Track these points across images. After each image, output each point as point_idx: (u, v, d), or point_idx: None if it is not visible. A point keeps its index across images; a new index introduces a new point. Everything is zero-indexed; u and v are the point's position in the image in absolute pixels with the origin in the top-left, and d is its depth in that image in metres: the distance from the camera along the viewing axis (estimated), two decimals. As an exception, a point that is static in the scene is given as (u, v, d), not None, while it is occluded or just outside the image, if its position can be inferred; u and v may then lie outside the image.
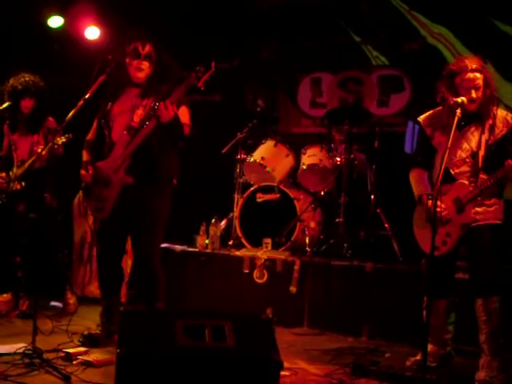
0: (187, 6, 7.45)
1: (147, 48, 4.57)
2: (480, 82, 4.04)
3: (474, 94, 4.00)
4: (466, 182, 4.03)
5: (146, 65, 4.56)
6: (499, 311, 3.91)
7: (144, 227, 4.53)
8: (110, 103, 4.60)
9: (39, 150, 5.23)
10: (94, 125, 4.75)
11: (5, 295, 5.60)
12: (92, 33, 7.02)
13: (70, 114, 4.51)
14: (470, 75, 4.03)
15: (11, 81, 5.59)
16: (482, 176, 4.00)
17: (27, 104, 5.57)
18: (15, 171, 5.55)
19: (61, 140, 5.12)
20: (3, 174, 5.60)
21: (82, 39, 7.04)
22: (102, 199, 4.50)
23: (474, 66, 4.05)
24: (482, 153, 4.04)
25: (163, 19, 7.27)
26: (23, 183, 5.52)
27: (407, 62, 7.30)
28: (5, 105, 5.33)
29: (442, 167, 3.63)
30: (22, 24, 6.93)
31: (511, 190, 4.11)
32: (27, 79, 5.58)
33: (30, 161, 5.44)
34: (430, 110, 4.36)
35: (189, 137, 4.52)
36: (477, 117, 4.09)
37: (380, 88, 7.51)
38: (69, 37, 7.09)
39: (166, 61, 4.63)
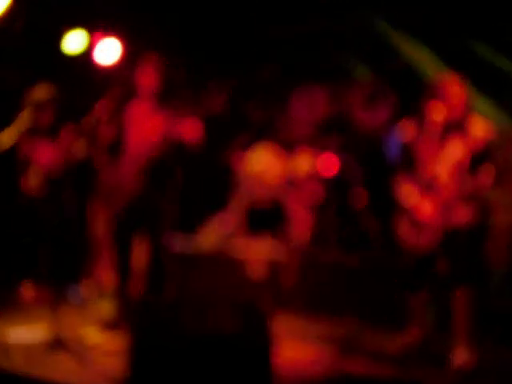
0: (199, 33, 7.43)
1: (148, 57, 4.52)
2: (458, 98, 3.98)
3: (451, 110, 3.93)
4: (450, 188, 3.95)
5: (147, 72, 4.47)
6: (472, 300, 3.91)
7: (155, 229, 4.52)
8: (123, 110, 4.51)
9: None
10: (110, 128, 4.60)
11: (28, 283, 5.50)
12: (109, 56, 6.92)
13: (87, 122, 4.52)
14: (450, 92, 3.98)
15: (31, 94, 5.43)
16: (464, 182, 3.92)
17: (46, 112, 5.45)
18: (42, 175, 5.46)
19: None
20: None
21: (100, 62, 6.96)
22: (116, 198, 4.47)
23: (453, 85, 4.02)
24: (463, 162, 3.96)
25: (176, 42, 7.23)
26: (49, 186, 5.42)
27: (390, 78, 7.28)
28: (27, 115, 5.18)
29: (427, 174, 3.71)
30: (49, 47, 6.84)
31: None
32: (45, 89, 5.44)
33: (57, 167, 5.38)
34: (410, 122, 4.27)
35: (199, 151, 4.49)
36: (457, 130, 3.99)
37: (366, 101, 7.49)
38: (89, 59, 7.02)
39: (174, 77, 4.64)
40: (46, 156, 5.43)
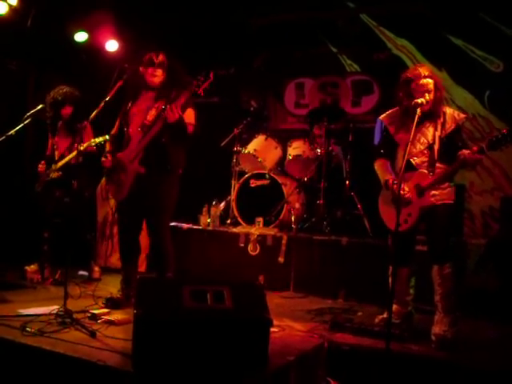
0: (194, 24, 7.44)
1: (160, 57, 4.52)
2: (431, 86, 4.05)
3: (427, 97, 4.01)
4: (426, 172, 4.04)
5: (159, 72, 4.51)
6: (451, 275, 3.93)
7: (156, 210, 4.50)
8: (129, 104, 4.58)
9: (81, 148, 5.13)
10: (117, 122, 4.72)
11: (32, 266, 5.61)
12: (112, 45, 6.99)
13: (93, 113, 4.52)
14: (424, 81, 4.04)
15: (52, 93, 5.64)
16: (438, 165, 4.02)
17: (67, 111, 5.63)
18: (57, 164, 5.58)
19: (98, 140, 5.10)
20: (43, 162, 5.64)
21: (103, 51, 7.01)
22: (120, 184, 4.48)
23: (426, 73, 4.07)
24: (436, 146, 4.06)
25: (173, 34, 7.25)
26: (61, 173, 5.56)
27: (376, 69, 7.30)
28: (38, 107, 5.27)
29: (405, 158, 3.62)
30: (54, 39, 6.87)
31: (460, 176, 4.11)
32: (65, 90, 5.63)
33: (70, 155, 5.45)
34: (391, 109, 4.34)
35: (193, 135, 4.44)
36: (430, 115, 4.09)
37: (353, 91, 7.50)
38: (93, 49, 7.04)
39: (176, 68, 4.57)
40: (64, 149, 5.63)
